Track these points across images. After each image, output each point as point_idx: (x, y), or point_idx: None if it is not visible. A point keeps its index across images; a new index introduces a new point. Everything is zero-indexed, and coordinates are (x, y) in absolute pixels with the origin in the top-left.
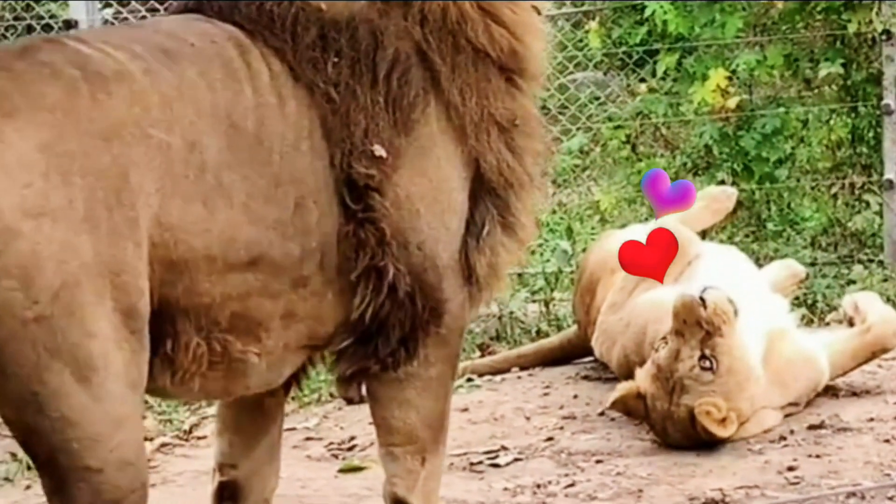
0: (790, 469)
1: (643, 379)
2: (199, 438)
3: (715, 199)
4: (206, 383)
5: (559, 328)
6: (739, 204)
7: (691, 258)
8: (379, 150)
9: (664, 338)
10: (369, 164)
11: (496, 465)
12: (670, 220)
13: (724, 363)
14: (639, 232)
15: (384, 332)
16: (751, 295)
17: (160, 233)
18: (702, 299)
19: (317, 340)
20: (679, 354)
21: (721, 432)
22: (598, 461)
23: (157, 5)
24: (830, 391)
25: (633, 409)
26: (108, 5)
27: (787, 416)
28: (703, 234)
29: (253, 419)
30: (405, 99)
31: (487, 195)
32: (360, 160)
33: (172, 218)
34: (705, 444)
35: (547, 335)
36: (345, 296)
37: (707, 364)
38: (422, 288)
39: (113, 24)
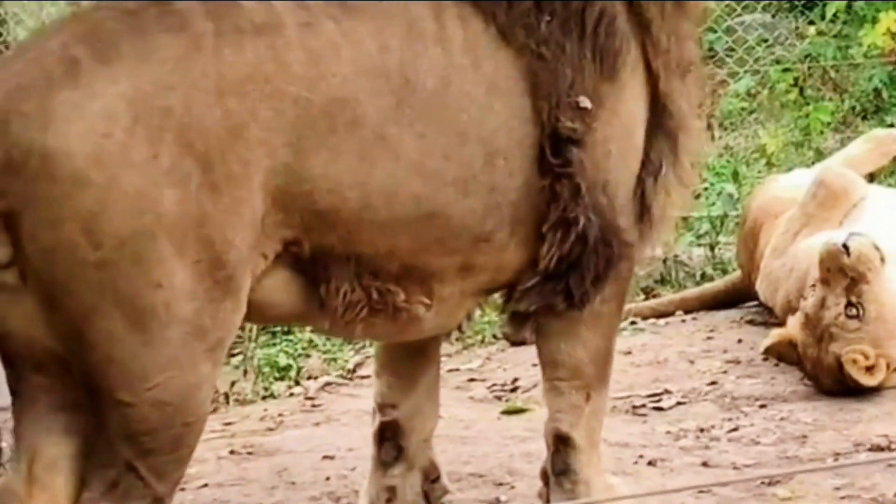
0: None
1: (794, 326)
2: (362, 378)
3: (881, 141)
4: (370, 328)
5: (724, 272)
6: None
7: (856, 201)
8: (584, 102)
9: (813, 285)
10: (574, 116)
11: (659, 409)
12: (835, 164)
13: (871, 311)
14: (803, 176)
15: (578, 272)
16: None
17: (298, 184)
18: (845, 247)
19: (495, 285)
20: (825, 302)
21: (868, 381)
22: (762, 406)
23: None
24: None
25: (785, 356)
26: None
27: None
28: (871, 178)
29: (412, 359)
30: (611, 48)
31: (664, 136)
32: (566, 113)
33: (315, 170)
34: (857, 391)
35: (711, 279)
36: (529, 244)
37: (853, 312)
38: (610, 229)
39: None
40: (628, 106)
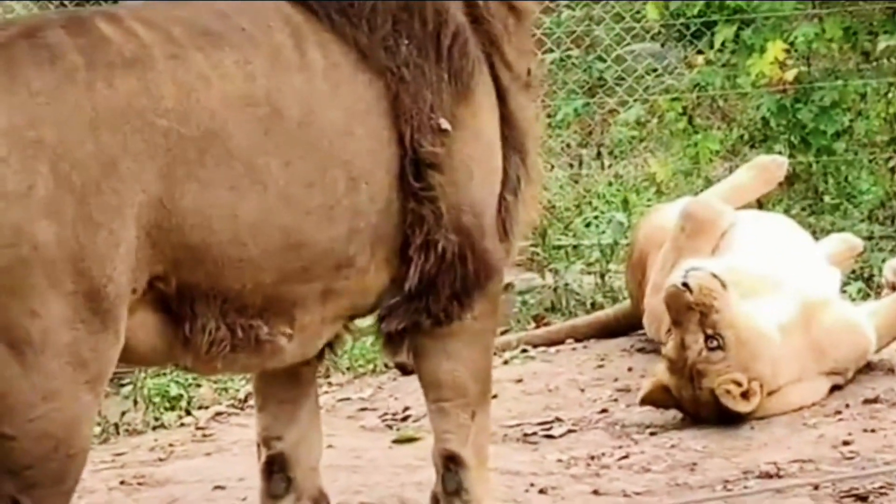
0: (845, 443)
1: (663, 371)
2: (253, 407)
3: (765, 168)
4: (231, 363)
5: (614, 300)
6: (796, 177)
7: (725, 229)
8: (444, 124)
9: (668, 331)
10: (434, 139)
11: (550, 437)
12: (706, 194)
13: (729, 337)
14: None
15: (435, 289)
16: (787, 260)
17: (169, 218)
18: (685, 285)
19: (357, 310)
20: (685, 343)
21: (746, 407)
22: (652, 433)
23: None
24: (887, 367)
25: (662, 402)
26: None
27: (836, 387)
28: (760, 206)
29: (289, 390)
30: (465, 69)
31: (516, 151)
32: (426, 136)
33: (186, 203)
34: (740, 418)
35: (602, 307)
36: (389, 266)
37: (714, 343)
38: (472, 248)
39: None
40: (486, 127)
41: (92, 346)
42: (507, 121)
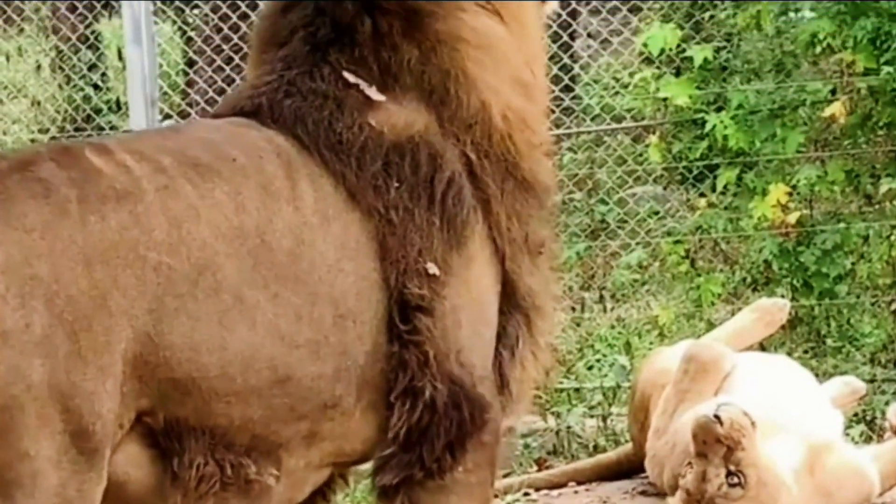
0: None
1: None
2: None
3: (767, 311)
4: (222, 503)
5: (617, 443)
6: (799, 320)
7: (728, 371)
8: (433, 269)
9: (689, 463)
10: (422, 283)
11: None
12: (708, 337)
13: (751, 476)
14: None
15: (428, 439)
16: (792, 401)
17: (157, 352)
18: (717, 417)
19: (343, 457)
20: (706, 475)
21: None
22: None
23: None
24: None
25: None
26: (167, 116)
27: None
28: (762, 348)
29: None
30: (458, 217)
31: (518, 312)
32: (413, 279)
33: (174, 337)
34: None
35: (604, 450)
36: (376, 412)
37: (735, 480)
38: (464, 397)
39: None
40: (478, 277)
41: (77, 487)
42: (506, 282)
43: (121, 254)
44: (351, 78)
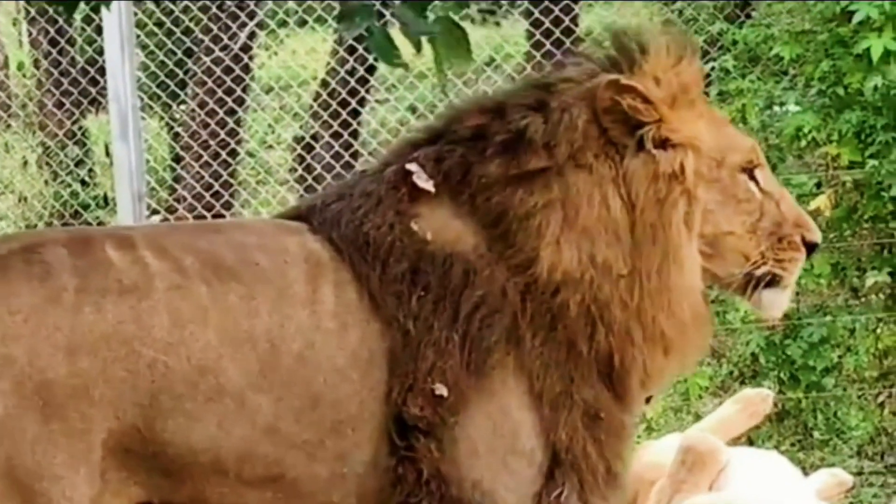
0: None
1: None
2: None
3: (750, 401)
4: None
5: None
6: (786, 413)
7: (723, 465)
8: (440, 389)
9: None
10: (425, 404)
11: None
12: (705, 427)
13: None
14: (675, 441)
15: None
16: (780, 497)
17: (147, 446)
18: None
19: None
20: None
21: None
22: None
23: (205, 213)
24: None
25: None
26: (154, 212)
27: None
28: (750, 442)
29: None
30: (483, 342)
31: (565, 467)
32: (416, 399)
33: (168, 434)
34: None
35: None
36: None
37: None
38: None
39: None
40: (507, 411)
41: None
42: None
43: (112, 346)
44: (412, 166)
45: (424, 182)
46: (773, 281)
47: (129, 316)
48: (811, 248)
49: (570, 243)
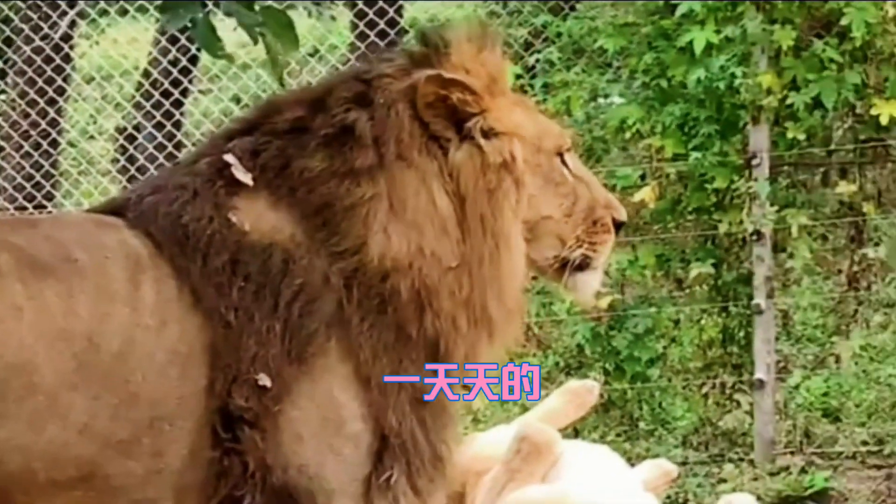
0: None
1: None
2: None
3: (577, 393)
4: None
5: None
6: (611, 403)
7: (556, 457)
8: (263, 380)
9: None
10: (249, 395)
11: None
12: (532, 418)
13: None
14: (502, 432)
15: None
16: (616, 494)
17: None
18: None
19: None
20: None
21: None
22: None
23: (26, 203)
24: None
25: None
26: None
27: None
28: (577, 432)
29: None
30: (303, 330)
31: (394, 450)
32: (240, 390)
33: None
34: None
35: None
36: None
37: None
38: None
39: None
40: (331, 394)
41: None
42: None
43: None
44: (230, 158)
45: (243, 175)
46: (585, 263)
47: None
48: (619, 226)
49: (398, 233)
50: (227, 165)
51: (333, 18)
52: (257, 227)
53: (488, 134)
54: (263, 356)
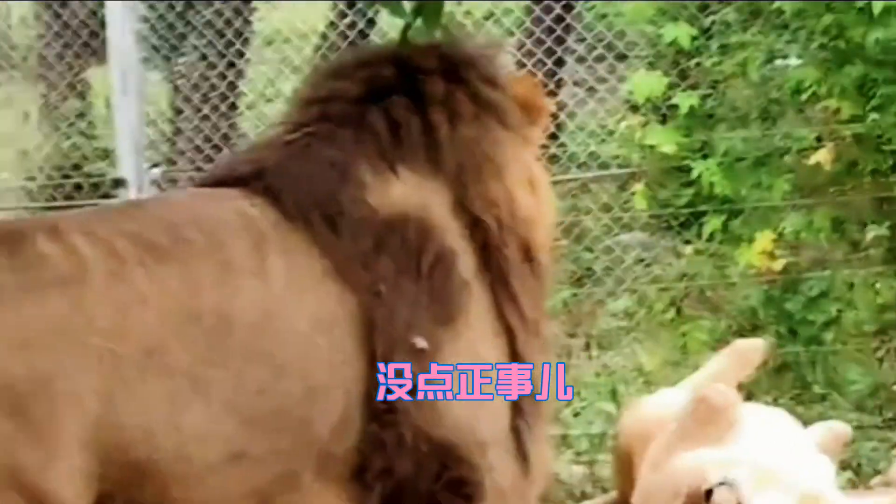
0: None
1: None
2: None
3: (742, 353)
4: None
5: (604, 490)
6: (785, 366)
7: (734, 420)
8: (421, 343)
9: None
10: (409, 358)
11: None
12: (686, 383)
13: None
14: (669, 396)
15: None
16: (790, 457)
17: (111, 436)
18: (709, 493)
19: None
20: None
21: None
22: None
23: (203, 165)
24: None
25: None
26: (155, 164)
27: None
28: (749, 395)
29: None
30: (446, 292)
31: (531, 399)
32: (399, 355)
33: (126, 419)
34: None
35: (591, 497)
36: (339, 489)
37: None
38: (450, 463)
39: (160, 185)
40: (473, 345)
41: None
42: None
43: (61, 339)
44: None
45: (390, 149)
46: None
47: (72, 307)
48: None
49: (524, 192)
50: (375, 135)
51: None
52: (387, 204)
53: None
54: (417, 322)
